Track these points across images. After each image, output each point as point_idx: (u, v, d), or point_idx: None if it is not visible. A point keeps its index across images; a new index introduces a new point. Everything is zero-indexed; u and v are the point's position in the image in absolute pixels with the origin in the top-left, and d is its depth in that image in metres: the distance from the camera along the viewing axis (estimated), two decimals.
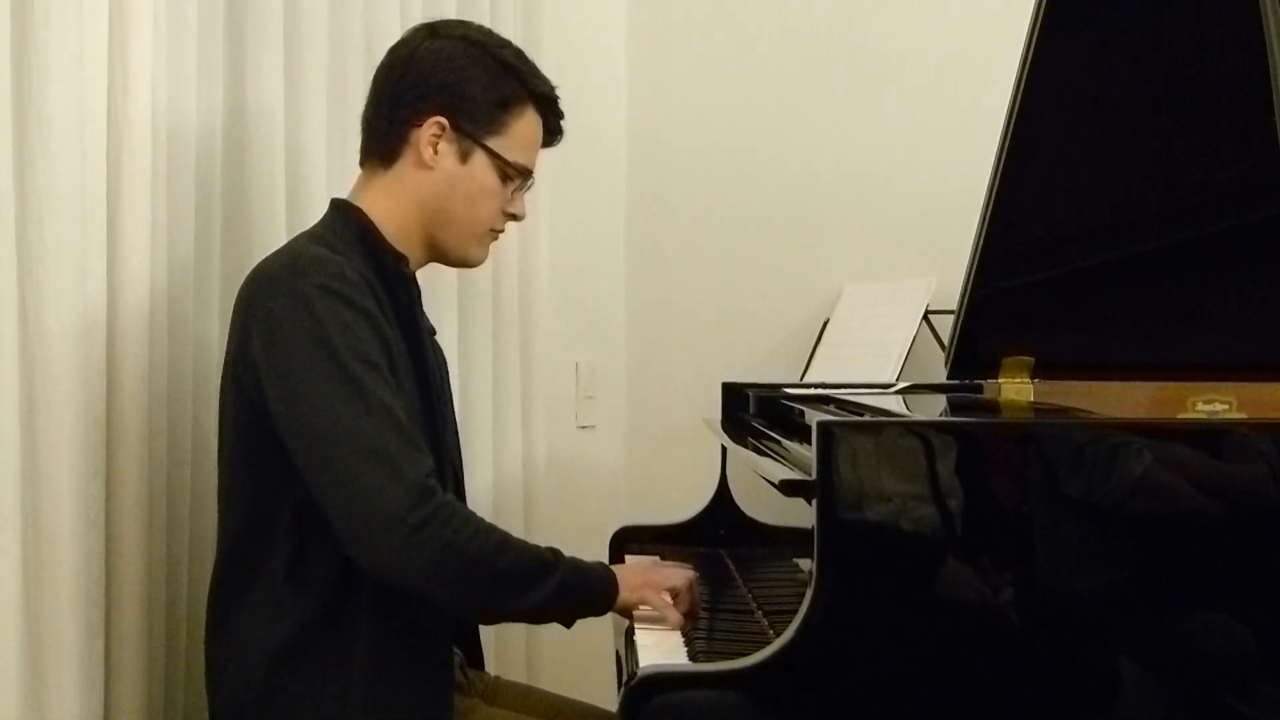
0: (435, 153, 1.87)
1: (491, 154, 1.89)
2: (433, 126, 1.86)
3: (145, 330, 1.90)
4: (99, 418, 1.84)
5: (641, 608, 1.87)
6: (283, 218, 2.19)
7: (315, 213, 2.21)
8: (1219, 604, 1.48)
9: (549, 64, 2.89)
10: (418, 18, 2.54)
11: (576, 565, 1.79)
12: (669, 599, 1.88)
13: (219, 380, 1.94)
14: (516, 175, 1.93)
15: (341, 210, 1.89)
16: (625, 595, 1.83)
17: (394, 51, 1.94)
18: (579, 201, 3.17)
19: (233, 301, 1.85)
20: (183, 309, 2.02)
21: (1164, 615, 1.48)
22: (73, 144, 1.78)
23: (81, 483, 1.79)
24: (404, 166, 1.89)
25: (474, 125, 1.88)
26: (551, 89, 1.96)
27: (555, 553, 1.78)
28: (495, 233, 1.97)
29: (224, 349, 2.03)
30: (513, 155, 1.91)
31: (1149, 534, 1.47)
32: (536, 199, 2.86)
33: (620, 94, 3.34)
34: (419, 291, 1.94)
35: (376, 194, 1.90)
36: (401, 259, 1.88)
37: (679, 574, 1.94)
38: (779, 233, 3.16)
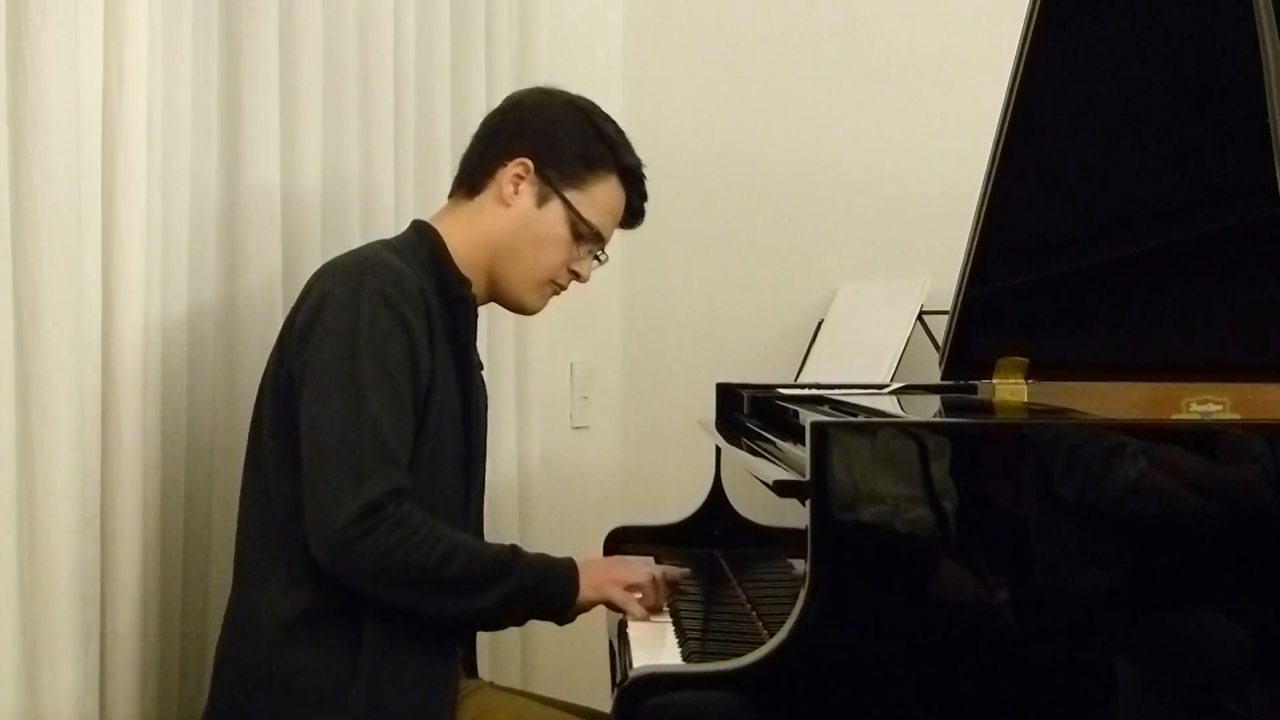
0: (515, 191, 1.96)
1: (568, 205, 1.96)
2: (518, 166, 1.95)
3: (140, 331, 1.91)
4: (94, 418, 1.85)
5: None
6: (278, 218, 2.19)
7: (310, 212, 2.23)
8: (1213, 605, 1.48)
9: (544, 63, 2.92)
10: (410, 17, 2.54)
11: (536, 567, 1.83)
12: (633, 594, 1.91)
13: (213, 381, 1.94)
14: (588, 234, 1.99)
15: (420, 230, 1.98)
16: (587, 594, 1.87)
17: (505, 99, 2.06)
18: None
19: (226, 302, 1.99)
20: (177, 310, 2.02)
21: (1159, 616, 1.48)
22: (68, 145, 1.78)
23: (77, 483, 1.79)
24: (485, 199, 1.98)
25: (557, 174, 1.96)
26: (640, 166, 2.05)
27: (514, 555, 1.82)
28: (556, 285, 2.03)
29: (218, 350, 2.04)
30: (588, 213, 1.98)
31: (1143, 535, 1.47)
32: None
33: (615, 93, 3.33)
34: (476, 316, 2.01)
35: (454, 221, 1.98)
36: (465, 282, 1.95)
37: (642, 570, 1.96)
38: (774, 233, 3.16)
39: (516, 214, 1.96)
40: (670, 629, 1.84)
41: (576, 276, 2.04)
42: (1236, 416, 1.74)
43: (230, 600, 1.89)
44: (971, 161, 1.95)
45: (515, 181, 1.95)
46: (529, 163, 1.95)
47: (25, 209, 1.74)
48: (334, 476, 1.71)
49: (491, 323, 2.79)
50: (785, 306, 3.11)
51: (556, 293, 2.05)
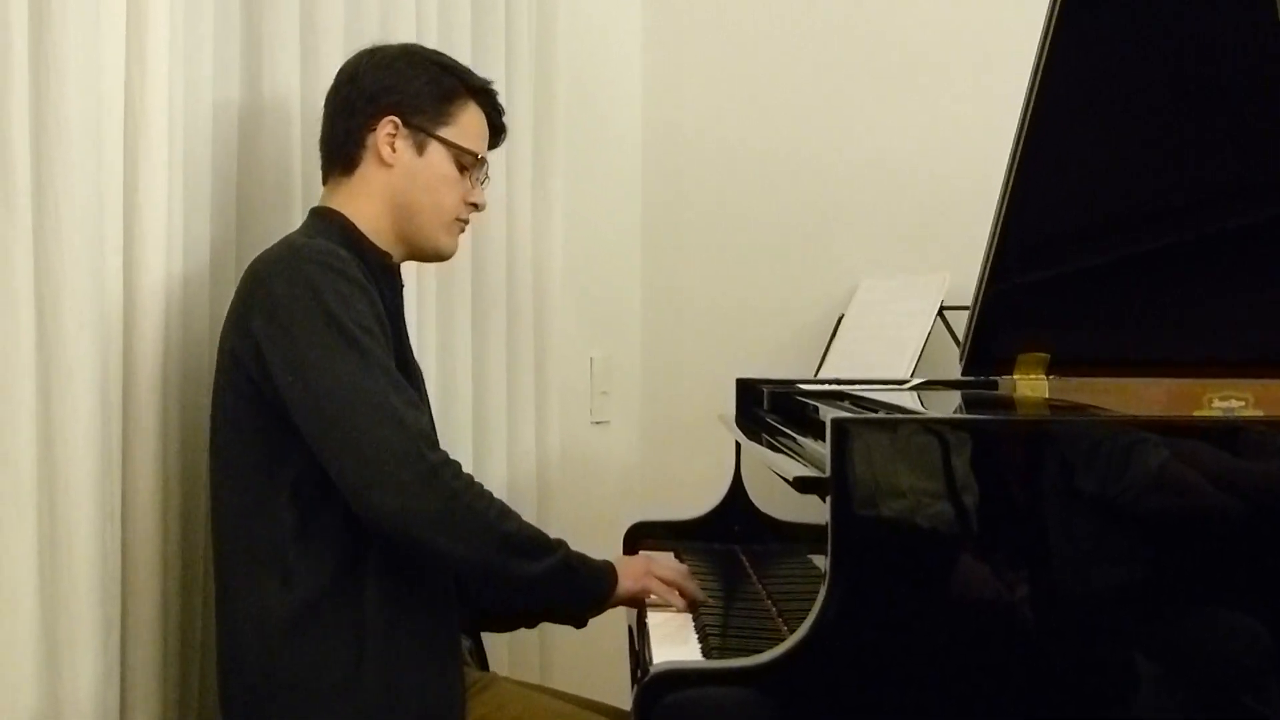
0: (393, 150, 1.98)
1: (445, 143, 2.00)
2: (387, 126, 1.98)
3: (161, 326, 1.91)
4: (115, 413, 1.85)
5: (650, 596, 1.96)
6: (299, 213, 2.19)
7: None
8: (1235, 602, 1.47)
9: (564, 59, 2.92)
10: (432, 9, 2.54)
11: (580, 555, 1.89)
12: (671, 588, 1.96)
13: None
14: (471, 162, 2.03)
15: (322, 215, 1.99)
16: (627, 584, 1.93)
17: (338, 75, 2.05)
18: (594, 196, 3.17)
19: None
20: (198, 305, 2.02)
21: (1179, 614, 1.47)
22: (90, 140, 1.78)
23: (98, 477, 1.79)
24: (366, 169, 1.99)
25: (424, 119, 1.99)
26: (489, 82, 2.09)
27: (558, 541, 1.88)
28: (461, 223, 2.07)
29: None
30: (466, 143, 2.02)
31: (1164, 532, 1.47)
32: (551, 193, 2.87)
33: (635, 88, 3.34)
34: (402, 286, 2.05)
35: (345, 198, 2.00)
36: (385, 254, 1.99)
37: (672, 568, 2.02)
38: (794, 228, 3.16)
39: (402, 170, 1.98)
40: (690, 625, 1.85)
41: (475, 207, 2.07)
42: (1259, 413, 1.73)
43: (220, 608, 1.89)
44: (992, 157, 1.95)
45: (389, 141, 1.97)
46: (395, 119, 1.97)
47: (47, 208, 1.74)
48: (375, 428, 1.72)
49: (511, 317, 2.80)
50: (805, 302, 3.11)
51: (463, 229, 2.08)
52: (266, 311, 1.79)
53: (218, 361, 1.88)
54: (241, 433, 1.83)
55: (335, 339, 1.75)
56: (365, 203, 1.98)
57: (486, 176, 2.09)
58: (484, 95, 2.07)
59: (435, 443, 1.76)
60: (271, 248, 1.89)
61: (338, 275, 1.79)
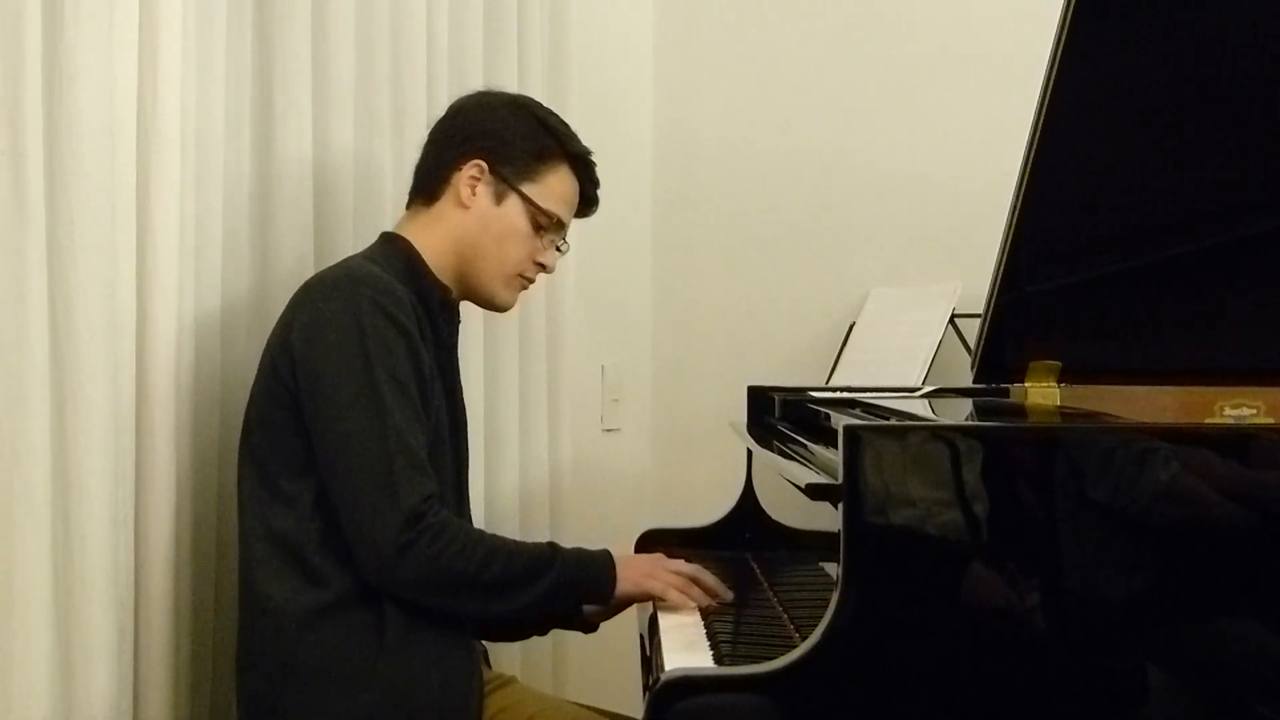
0: (473, 193, 2.00)
1: (525, 199, 2.01)
2: (473, 169, 2.00)
3: (174, 333, 1.92)
4: (128, 421, 1.86)
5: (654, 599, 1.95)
6: (310, 220, 2.20)
7: (342, 215, 2.24)
8: (1247, 612, 1.47)
9: (575, 67, 2.92)
10: (444, 20, 2.55)
11: (575, 561, 1.89)
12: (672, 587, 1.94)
13: (247, 383, 1.96)
14: (548, 224, 2.04)
15: (390, 240, 2.02)
16: (625, 586, 1.92)
17: (449, 108, 2.09)
18: (605, 204, 3.14)
19: (259, 305, 2.02)
20: (210, 312, 2.03)
21: (1193, 623, 1.47)
22: (102, 148, 1.79)
23: (111, 485, 1.80)
24: (444, 205, 2.02)
25: (511, 170, 2.01)
26: (588, 154, 2.09)
27: (552, 551, 1.88)
28: (524, 280, 2.08)
29: (252, 351, 2.05)
30: (545, 203, 2.03)
31: (1176, 540, 1.46)
32: None
33: (646, 96, 3.35)
34: (459, 322, 2.07)
35: (418, 228, 2.03)
36: (444, 289, 2.00)
37: (680, 567, 1.98)
38: (805, 236, 3.16)
39: (477, 214, 2.01)
40: (702, 632, 1.84)
41: (542, 268, 2.09)
42: (1270, 420, 1.73)
43: (241, 602, 1.91)
44: (1004, 165, 1.94)
45: (472, 184, 2.00)
46: (483, 163, 2.00)
47: (60, 212, 1.75)
48: (370, 492, 1.76)
49: (523, 325, 2.80)
50: (817, 309, 3.11)
51: (525, 286, 2.10)
52: (309, 329, 1.82)
53: (260, 364, 1.91)
54: (273, 434, 1.86)
55: (361, 386, 1.78)
56: (435, 237, 2.01)
57: (565, 243, 2.11)
58: (581, 163, 2.08)
59: (421, 514, 1.76)
60: (332, 267, 1.92)
61: (387, 318, 1.81)
